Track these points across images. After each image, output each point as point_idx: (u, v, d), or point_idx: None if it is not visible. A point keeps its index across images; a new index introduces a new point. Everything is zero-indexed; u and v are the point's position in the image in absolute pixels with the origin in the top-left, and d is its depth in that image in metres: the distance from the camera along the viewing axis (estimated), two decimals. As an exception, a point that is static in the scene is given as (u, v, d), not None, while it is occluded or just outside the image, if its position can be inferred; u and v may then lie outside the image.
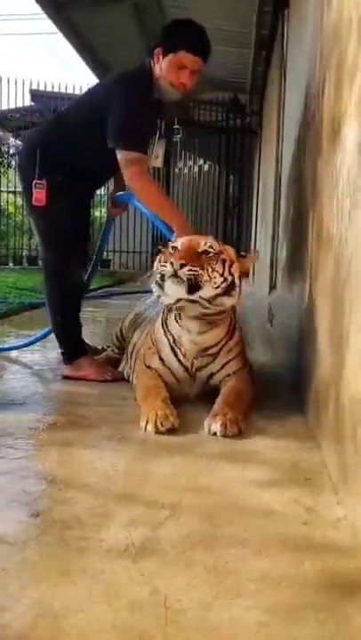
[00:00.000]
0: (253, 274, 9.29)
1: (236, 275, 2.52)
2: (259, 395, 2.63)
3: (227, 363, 2.63)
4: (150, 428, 2.26)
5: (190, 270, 2.39)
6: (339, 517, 1.56)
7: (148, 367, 2.68)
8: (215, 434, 2.25)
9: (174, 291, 2.43)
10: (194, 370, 2.62)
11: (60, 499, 1.67)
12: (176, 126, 11.75)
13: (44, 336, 3.67)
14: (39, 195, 3.00)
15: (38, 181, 3.00)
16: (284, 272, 3.82)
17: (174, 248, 2.52)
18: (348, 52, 1.92)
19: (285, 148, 4.29)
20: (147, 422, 2.28)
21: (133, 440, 2.21)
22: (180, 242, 2.53)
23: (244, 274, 2.60)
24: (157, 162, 3.30)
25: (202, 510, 1.60)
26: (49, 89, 12.06)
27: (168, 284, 2.42)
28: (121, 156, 2.90)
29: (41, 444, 2.14)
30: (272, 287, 5.05)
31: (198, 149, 12.47)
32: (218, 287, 2.45)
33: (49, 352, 3.84)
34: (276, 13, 5.63)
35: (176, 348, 2.63)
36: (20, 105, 12.41)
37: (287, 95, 4.44)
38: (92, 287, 9.12)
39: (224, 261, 2.51)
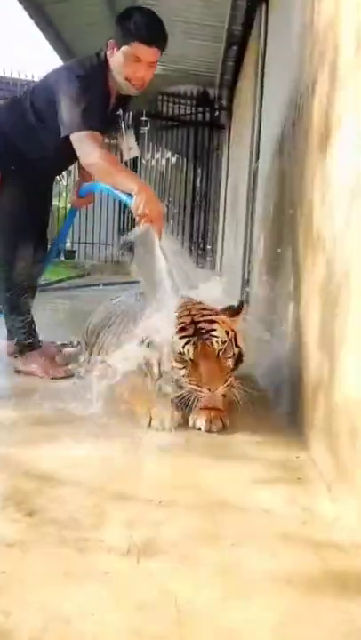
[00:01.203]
0: (220, 269, 9.33)
1: (241, 343, 2.47)
2: (243, 393, 2.63)
3: None
4: (157, 424, 2.26)
5: (225, 386, 2.31)
6: (336, 516, 1.57)
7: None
8: (200, 429, 2.26)
9: (210, 403, 2.35)
10: None
11: (53, 496, 1.64)
12: (143, 118, 11.73)
13: None
14: None
15: None
16: (262, 269, 3.83)
17: (184, 359, 2.34)
18: (342, 53, 1.93)
19: (263, 145, 4.30)
20: (150, 419, 2.27)
21: (122, 436, 2.19)
22: (192, 354, 2.33)
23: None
24: (133, 152, 3.25)
25: (200, 509, 1.59)
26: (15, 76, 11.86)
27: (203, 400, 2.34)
28: (73, 138, 2.79)
29: (29, 440, 2.10)
30: (244, 284, 5.07)
31: (166, 142, 12.41)
32: (233, 369, 2.41)
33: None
34: (252, 8, 5.63)
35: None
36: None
37: (266, 92, 4.44)
38: (57, 279, 9.10)
39: (231, 340, 2.41)
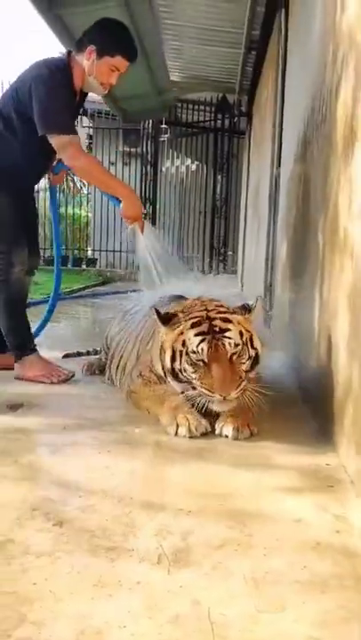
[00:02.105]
0: (242, 274, 9.30)
1: (258, 345, 2.39)
2: (268, 399, 2.61)
3: None
4: (183, 432, 2.23)
5: (237, 391, 2.25)
6: (369, 525, 1.54)
7: (144, 378, 2.63)
8: (227, 436, 2.24)
9: (221, 407, 2.29)
10: None
11: (82, 506, 1.63)
12: (163, 126, 11.78)
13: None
14: None
15: None
16: (286, 274, 3.81)
17: (198, 359, 2.29)
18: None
19: (285, 149, 4.28)
20: (177, 426, 2.25)
21: (146, 444, 2.18)
22: (205, 354, 2.27)
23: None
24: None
25: (229, 517, 1.57)
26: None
27: (215, 406, 2.28)
28: (55, 141, 3.00)
29: (55, 449, 2.10)
30: (268, 288, 5.04)
31: (186, 149, 12.43)
32: (248, 371, 2.34)
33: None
34: (270, 13, 5.62)
35: None
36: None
37: (286, 96, 4.43)
38: (78, 287, 9.15)
39: (246, 342, 2.35)
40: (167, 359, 2.36)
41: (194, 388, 2.30)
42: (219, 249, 11.99)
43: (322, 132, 2.64)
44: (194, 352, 2.28)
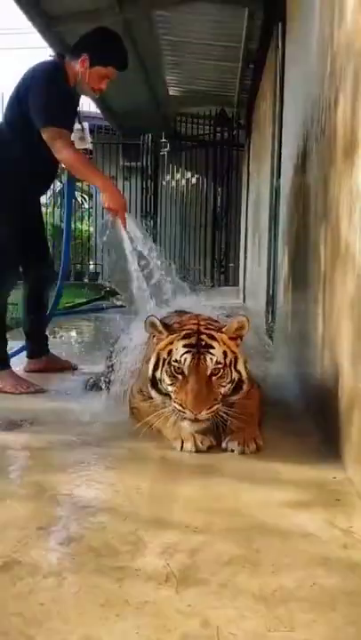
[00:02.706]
0: (244, 286, 9.30)
1: (242, 369, 2.33)
2: (271, 412, 2.60)
3: None
4: (189, 446, 2.22)
5: (209, 411, 2.20)
6: (378, 539, 1.52)
7: (143, 395, 2.60)
8: (232, 451, 2.22)
9: (192, 427, 2.25)
10: None
11: (88, 524, 1.62)
12: (163, 140, 11.84)
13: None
14: None
15: None
16: (288, 285, 3.80)
17: (178, 369, 2.26)
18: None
19: (285, 161, 4.29)
20: (182, 442, 2.23)
21: (152, 460, 2.17)
22: (186, 366, 2.24)
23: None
24: (85, 143, 3.59)
25: (237, 534, 1.56)
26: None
27: (185, 424, 2.24)
28: (46, 133, 3.14)
29: (60, 467, 2.08)
30: (269, 299, 5.04)
31: (185, 162, 12.49)
32: (227, 395, 2.30)
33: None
34: (268, 27, 5.66)
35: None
36: None
37: (285, 109, 4.44)
38: (80, 301, 9.13)
39: (230, 363, 2.29)
40: (151, 366, 2.34)
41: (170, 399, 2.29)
42: (220, 261, 12.00)
43: (321, 143, 2.65)
44: (176, 361, 2.25)
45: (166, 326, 2.40)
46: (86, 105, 8.42)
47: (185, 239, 12.69)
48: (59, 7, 6.31)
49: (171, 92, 10.18)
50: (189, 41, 7.97)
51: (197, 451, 2.21)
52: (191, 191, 12.71)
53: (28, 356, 3.79)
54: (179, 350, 2.27)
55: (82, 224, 15.56)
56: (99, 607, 1.23)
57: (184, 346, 2.28)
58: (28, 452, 2.29)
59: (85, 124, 3.60)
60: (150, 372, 2.34)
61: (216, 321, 2.49)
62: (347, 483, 1.91)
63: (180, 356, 2.25)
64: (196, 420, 2.20)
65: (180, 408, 2.20)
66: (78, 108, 3.67)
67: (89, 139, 3.63)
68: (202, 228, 12.31)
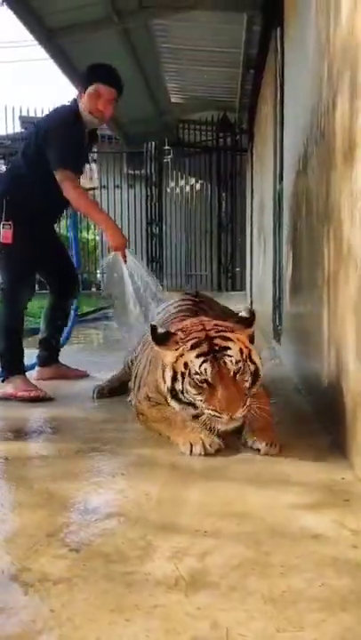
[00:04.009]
0: (251, 290, 9.30)
1: (257, 359, 2.39)
2: (279, 413, 2.60)
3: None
4: (198, 450, 2.22)
5: (243, 409, 2.23)
6: (387, 538, 1.52)
7: (150, 401, 2.62)
8: (258, 450, 2.25)
9: (228, 426, 2.26)
10: None
11: (97, 531, 1.62)
12: (166, 147, 11.88)
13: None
14: (6, 234, 3.41)
15: (5, 222, 3.42)
16: (294, 287, 3.81)
17: (202, 380, 2.29)
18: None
19: (287, 165, 4.30)
20: (191, 446, 2.23)
21: (160, 465, 2.18)
22: (209, 375, 2.27)
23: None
24: (93, 182, 3.98)
25: (246, 537, 1.56)
26: (39, 115, 12.12)
27: (220, 425, 2.25)
28: (58, 174, 3.41)
29: (69, 474, 2.09)
30: (276, 303, 5.04)
31: (189, 169, 12.52)
32: (250, 387, 2.35)
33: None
34: (267, 32, 5.69)
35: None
36: (10, 132, 12.51)
37: (286, 113, 4.46)
38: (88, 310, 9.17)
39: (246, 358, 2.35)
40: (168, 379, 2.36)
41: (195, 408, 2.31)
42: (226, 266, 12.01)
43: (321, 146, 2.66)
44: (197, 373, 2.27)
45: (164, 338, 2.41)
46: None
47: (190, 245, 12.71)
48: (58, 19, 6.37)
49: (173, 100, 10.23)
50: (189, 48, 8.02)
51: (206, 454, 2.22)
52: (195, 197, 12.73)
53: (40, 365, 3.87)
54: (194, 362, 2.29)
55: (88, 233, 15.62)
56: (109, 612, 1.24)
57: (197, 356, 2.30)
58: (38, 459, 2.30)
59: (94, 166, 3.85)
60: (168, 384, 2.36)
61: (221, 320, 2.51)
62: (356, 483, 1.92)
63: (200, 367, 2.27)
64: (231, 420, 2.22)
65: (217, 414, 2.23)
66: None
67: (96, 179, 3.90)
68: (207, 234, 12.32)
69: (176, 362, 2.34)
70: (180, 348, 2.35)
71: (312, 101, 2.92)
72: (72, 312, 4.26)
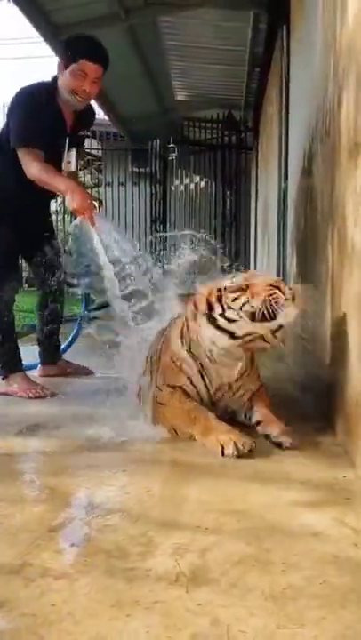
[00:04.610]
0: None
1: None
2: (280, 412, 2.60)
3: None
4: (231, 451, 2.16)
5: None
6: (388, 537, 1.52)
7: (172, 387, 2.60)
8: (280, 445, 2.28)
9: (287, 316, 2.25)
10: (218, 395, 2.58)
11: (98, 526, 1.63)
12: (171, 145, 11.86)
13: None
14: None
15: None
16: (298, 285, 3.80)
17: (237, 288, 2.32)
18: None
19: (291, 163, 4.30)
20: (222, 447, 2.19)
21: (162, 462, 2.18)
22: (244, 278, 2.36)
23: None
24: (70, 166, 3.53)
25: (247, 534, 1.56)
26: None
27: (282, 312, 2.23)
28: (19, 153, 3.20)
29: (71, 469, 2.10)
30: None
31: (194, 167, 12.50)
32: None
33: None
34: (272, 30, 5.68)
35: (204, 375, 2.53)
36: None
37: (291, 111, 4.45)
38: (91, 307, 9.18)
39: None
40: (200, 313, 2.39)
41: (232, 335, 2.32)
42: (230, 264, 11.98)
43: (326, 144, 2.65)
44: (232, 285, 2.33)
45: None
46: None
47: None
48: (65, 15, 6.37)
49: (178, 97, 10.23)
50: (195, 46, 8.00)
51: (240, 455, 2.16)
52: (200, 195, 12.71)
53: (42, 362, 3.85)
54: (225, 283, 2.35)
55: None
56: (109, 608, 1.24)
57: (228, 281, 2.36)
58: (40, 455, 2.31)
59: (73, 152, 3.53)
60: (201, 316, 2.38)
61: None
62: (357, 481, 1.92)
63: (233, 280, 2.34)
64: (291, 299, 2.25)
65: (275, 294, 2.23)
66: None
67: (74, 163, 3.58)
68: (211, 232, 12.30)
69: (210, 294, 2.37)
70: (211, 286, 2.41)
71: (317, 99, 2.92)
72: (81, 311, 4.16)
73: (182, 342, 2.55)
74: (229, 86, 9.36)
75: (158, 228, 11.65)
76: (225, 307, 2.32)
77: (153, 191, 11.95)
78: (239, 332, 2.31)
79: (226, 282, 2.38)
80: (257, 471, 2.06)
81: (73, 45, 3.27)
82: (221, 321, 2.33)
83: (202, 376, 2.52)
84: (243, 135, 11.25)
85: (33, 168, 3.19)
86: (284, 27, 4.78)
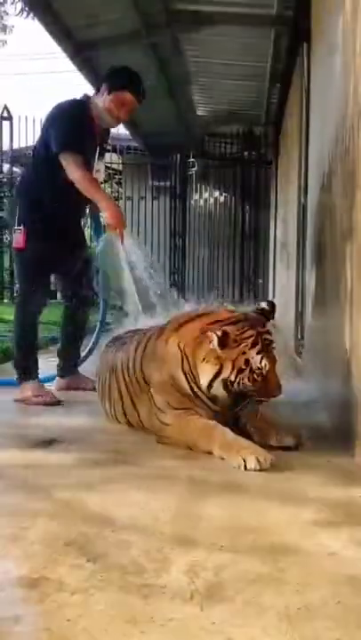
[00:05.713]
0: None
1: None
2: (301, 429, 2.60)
3: None
4: (253, 465, 2.21)
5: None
6: None
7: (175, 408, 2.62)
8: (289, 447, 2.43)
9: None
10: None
11: (114, 542, 1.63)
12: (191, 159, 11.94)
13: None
14: (18, 238, 3.47)
15: (17, 227, 3.49)
16: (316, 301, 3.80)
17: (259, 374, 2.47)
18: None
19: (311, 179, 4.31)
20: (244, 462, 2.22)
21: (179, 478, 2.18)
22: (266, 368, 2.47)
23: None
24: (99, 175, 3.75)
25: (263, 553, 1.56)
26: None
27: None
28: (61, 157, 3.36)
29: (88, 484, 2.11)
30: (298, 316, 5.03)
31: (214, 182, 12.55)
32: None
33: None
34: (293, 47, 5.71)
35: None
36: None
37: (311, 127, 4.47)
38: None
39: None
40: (227, 373, 2.46)
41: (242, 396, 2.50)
42: (249, 278, 11.98)
43: (346, 162, 2.66)
44: (259, 368, 2.44)
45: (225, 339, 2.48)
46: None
47: (214, 257, 12.71)
48: (87, 33, 6.46)
49: (198, 112, 10.28)
50: (216, 62, 8.06)
51: (261, 469, 2.20)
52: (220, 210, 12.74)
53: (59, 375, 3.87)
54: (256, 359, 2.44)
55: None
56: (124, 623, 1.25)
57: (258, 353, 2.45)
58: (57, 469, 2.32)
59: (101, 164, 3.76)
60: (230, 376, 2.46)
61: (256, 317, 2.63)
62: (374, 501, 1.90)
63: (260, 363, 2.44)
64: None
65: (265, 398, 2.52)
66: (107, 146, 3.99)
67: (102, 173, 3.83)
68: (231, 246, 12.31)
69: (236, 359, 2.44)
70: (242, 346, 2.46)
71: (337, 117, 2.93)
72: (98, 324, 4.16)
73: (187, 379, 2.60)
74: (250, 102, 9.40)
75: (177, 242, 11.70)
76: (242, 380, 2.47)
77: (173, 205, 12.01)
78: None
79: (250, 341, 2.48)
80: (273, 489, 2.06)
81: (120, 75, 3.58)
82: (232, 388, 2.51)
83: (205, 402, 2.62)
84: (263, 151, 11.27)
85: (76, 172, 3.35)
86: (305, 44, 4.80)
